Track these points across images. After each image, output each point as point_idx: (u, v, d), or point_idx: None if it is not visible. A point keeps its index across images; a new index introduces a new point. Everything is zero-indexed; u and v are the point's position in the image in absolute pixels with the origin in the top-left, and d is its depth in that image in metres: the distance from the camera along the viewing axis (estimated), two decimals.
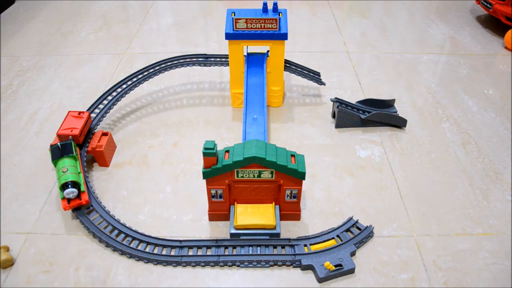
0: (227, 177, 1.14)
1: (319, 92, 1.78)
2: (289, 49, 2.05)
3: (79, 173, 1.27)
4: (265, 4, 1.48)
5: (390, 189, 1.35)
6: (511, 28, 2.09)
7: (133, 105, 1.71)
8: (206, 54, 1.69)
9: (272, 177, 1.14)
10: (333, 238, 1.18)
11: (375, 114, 1.54)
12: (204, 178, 1.13)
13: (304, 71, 1.68)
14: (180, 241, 1.17)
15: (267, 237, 1.17)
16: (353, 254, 1.14)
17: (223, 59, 1.69)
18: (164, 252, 1.15)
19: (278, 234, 1.17)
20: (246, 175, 1.13)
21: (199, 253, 1.15)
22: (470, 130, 1.58)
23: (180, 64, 1.67)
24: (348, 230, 1.20)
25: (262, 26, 1.47)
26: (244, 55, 1.58)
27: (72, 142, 1.32)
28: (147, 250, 1.15)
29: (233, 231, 1.17)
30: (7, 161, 1.47)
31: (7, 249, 1.16)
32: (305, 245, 1.15)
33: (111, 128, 1.60)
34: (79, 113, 1.42)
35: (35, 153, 1.49)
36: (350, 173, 1.40)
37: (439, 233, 1.22)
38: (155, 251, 1.15)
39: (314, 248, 1.14)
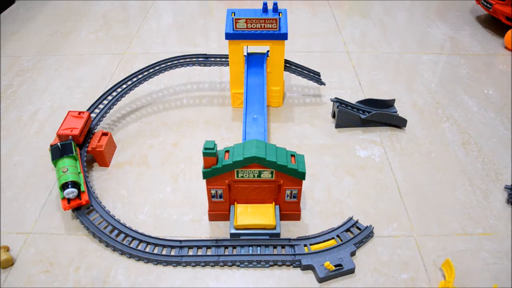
0: (227, 177, 1.14)
1: (319, 92, 1.78)
2: (289, 49, 2.05)
3: (79, 173, 1.27)
4: (265, 4, 1.48)
5: (390, 189, 1.35)
6: (511, 28, 2.09)
7: (133, 105, 1.71)
8: (206, 54, 1.69)
9: (272, 177, 1.14)
10: (333, 238, 1.18)
11: (375, 114, 1.54)
12: (204, 178, 1.13)
13: (304, 71, 1.68)
14: (180, 241, 1.17)
15: (267, 237, 1.17)
16: (353, 254, 1.14)
17: (223, 59, 1.69)
18: (164, 252, 1.15)
19: (278, 234, 1.17)
20: (246, 175, 1.13)
21: (199, 253, 1.15)
22: (470, 130, 1.58)
23: (180, 64, 1.67)
24: (348, 230, 1.20)
25: (262, 26, 1.47)
26: (244, 55, 1.58)
27: (72, 142, 1.32)
28: (147, 250, 1.15)
29: (233, 231, 1.17)
30: (7, 161, 1.47)
31: (7, 249, 1.16)
32: (305, 245, 1.15)
33: (111, 128, 1.60)
34: (79, 113, 1.42)
35: (35, 153, 1.49)
36: (350, 173, 1.40)
37: (439, 233, 1.22)
38: (155, 251, 1.15)
39: (314, 248, 1.14)
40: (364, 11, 2.44)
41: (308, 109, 1.68)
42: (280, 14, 1.50)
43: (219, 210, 1.23)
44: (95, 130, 1.46)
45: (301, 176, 1.12)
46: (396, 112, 1.60)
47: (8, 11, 2.47)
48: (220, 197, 1.19)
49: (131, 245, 1.16)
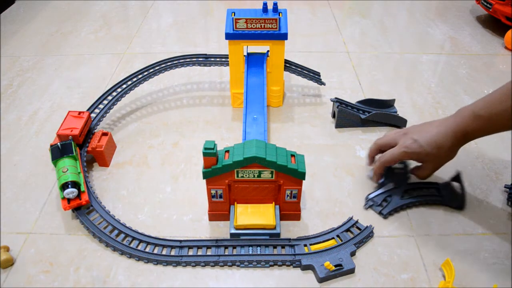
0: (227, 177, 1.14)
1: (319, 92, 1.78)
2: (289, 49, 2.05)
3: (79, 173, 1.27)
4: (265, 4, 1.48)
5: None
6: (511, 28, 2.09)
7: (133, 105, 1.71)
8: (206, 54, 1.69)
9: (272, 177, 1.14)
10: (333, 238, 1.18)
11: (375, 114, 1.54)
12: (204, 178, 1.13)
13: (304, 71, 1.68)
14: (180, 241, 1.16)
15: (267, 237, 1.17)
16: (353, 254, 1.14)
17: (223, 59, 1.69)
18: (164, 252, 1.15)
19: (278, 234, 1.17)
20: (246, 175, 1.13)
21: (199, 253, 1.15)
22: None
23: (180, 64, 1.67)
24: (348, 230, 1.20)
25: (262, 26, 1.47)
26: (244, 55, 1.58)
27: (72, 142, 1.32)
28: (147, 250, 1.15)
29: (233, 231, 1.17)
30: (7, 161, 1.47)
31: (7, 249, 1.16)
32: (305, 245, 1.15)
33: (111, 128, 1.60)
34: (79, 113, 1.42)
35: (35, 153, 1.49)
36: (350, 173, 1.40)
37: (439, 233, 1.22)
38: (155, 251, 1.15)
39: (314, 248, 1.14)
40: (364, 11, 2.44)
41: (308, 109, 1.68)
42: (280, 14, 1.50)
43: (219, 210, 1.23)
44: (95, 130, 1.46)
45: (301, 176, 1.12)
46: (396, 112, 1.60)
47: (8, 11, 2.47)
48: (220, 197, 1.19)
49: (131, 245, 1.16)
